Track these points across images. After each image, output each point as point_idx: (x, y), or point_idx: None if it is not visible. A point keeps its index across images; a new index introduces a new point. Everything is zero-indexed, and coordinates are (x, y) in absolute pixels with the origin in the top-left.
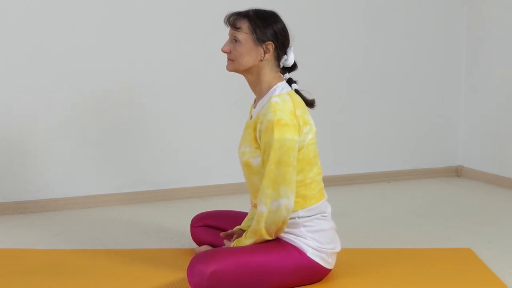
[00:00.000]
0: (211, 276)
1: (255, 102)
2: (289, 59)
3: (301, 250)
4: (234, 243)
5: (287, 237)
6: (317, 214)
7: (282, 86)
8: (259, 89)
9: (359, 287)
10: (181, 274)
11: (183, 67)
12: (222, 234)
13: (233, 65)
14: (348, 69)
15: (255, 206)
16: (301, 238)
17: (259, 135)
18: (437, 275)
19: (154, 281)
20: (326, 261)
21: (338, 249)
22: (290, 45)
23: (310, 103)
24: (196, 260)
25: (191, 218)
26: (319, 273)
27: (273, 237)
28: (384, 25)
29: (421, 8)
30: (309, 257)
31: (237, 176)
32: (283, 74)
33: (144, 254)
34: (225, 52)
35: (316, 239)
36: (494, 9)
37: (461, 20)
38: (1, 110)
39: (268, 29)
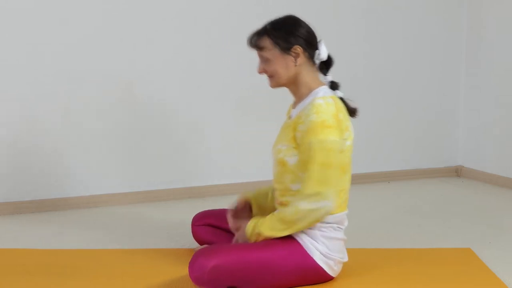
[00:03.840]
0: (212, 270)
1: (295, 103)
2: (322, 52)
3: (307, 252)
4: (253, 224)
5: (298, 234)
6: (334, 224)
7: (325, 89)
8: (300, 92)
9: (359, 287)
10: (182, 274)
11: (189, 66)
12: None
13: (273, 81)
14: (348, 69)
15: (281, 204)
16: (312, 241)
17: (300, 135)
18: (437, 275)
19: (154, 281)
20: (331, 268)
21: (345, 259)
22: (318, 39)
23: (352, 111)
24: (198, 254)
25: (192, 217)
26: (322, 278)
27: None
28: (384, 25)
29: (421, 8)
30: (315, 261)
31: (238, 176)
32: (324, 73)
33: (144, 254)
34: (260, 73)
35: (327, 245)
36: (494, 9)
37: (461, 20)
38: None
39: (290, 36)
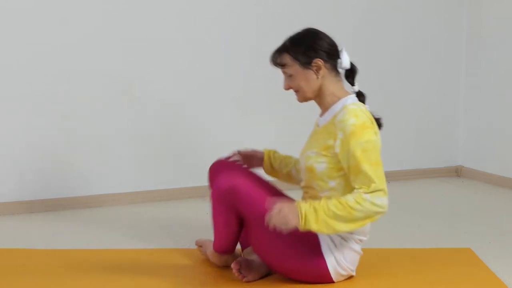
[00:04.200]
0: (231, 188)
1: (322, 112)
2: (344, 61)
3: (322, 252)
4: (306, 207)
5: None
6: (357, 235)
7: (353, 98)
8: (325, 102)
9: (358, 287)
10: (182, 274)
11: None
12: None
13: (300, 96)
14: None
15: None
16: (332, 245)
17: (340, 143)
18: (437, 275)
19: (155, 281)
20: (337, 276)
21: (354, 273)
22: (339, 49)
23: (378, 123)
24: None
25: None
26: (323, 280)
27: (348, 229)
28: (384, 25)
29: (421, 8)
30: (326, 263)
31: None
32: (350, 83)
33: (144, 254)
34: (286, 89)
35: (344, 254)
36: (494, 9)
37: (461, 20)
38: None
39: (309, 50)
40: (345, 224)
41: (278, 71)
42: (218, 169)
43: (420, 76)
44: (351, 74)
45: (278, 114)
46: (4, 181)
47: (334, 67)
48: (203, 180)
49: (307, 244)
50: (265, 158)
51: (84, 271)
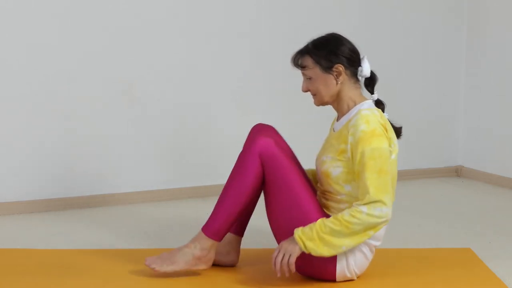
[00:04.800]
0: (268, 150)
1: (338, 117)
2: (364, 69)
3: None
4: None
5: None
6: (373, 240)
7: (369, 103)
8: (342, 108)
9: (358, 287)
10: (182, 274)
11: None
12: None
13: (317, 99)
14: None
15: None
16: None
17: (350, 147)
18: (437, 275)
19: (155, 281)
20: (342, 276)
21: (355, 278)
22: (361, 56)
23: (398, 131)
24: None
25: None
26: (326, 277)
27: (349, 245)
28: (384, 25)
29: (421, 8)
30: (336, 262)
31: None
32: (370, 91)
33: (144, 254)
34: (304, 92)
35: (355, 260)
36: (494, 9)
37: (461, 20)
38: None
39: (331, 55)
40: (347, 239)
41: (278, 72)
42: (262, 129)
43: (420, 76)
44: (370, 82)
45: (278, 115)
46: (4, 181)
47: (354, 74)
48: (203, 180)
49: None
50: None
51: (84, 271)
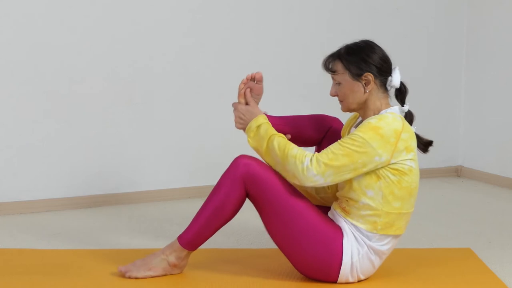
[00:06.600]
0: (249, 170)
1: (360, 122)
2: (394, 79)
3: (341, 252)
4: (256, 124)
5: (351, 231)
6: (387, 247)
7: (395, 109)
8: (367, 116)
9: (358, 287)
10: (181, 275)
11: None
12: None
13: (343, 105)
14: None
15: (342, 209)
16: (356, 256)
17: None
18: (437, 275)
19: (155, 281)
20: (345, 276)
21: (356, 282)
22: (392, 67)
23: (426, 145)
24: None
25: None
26: (327, 278)
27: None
28: (384, 25)
29: (421, 8)
30: (340, 263)
31: None
32: (400, 103)
33: (144, 254)
34: (332, 96)
35: (361, 264)
36: (495, 9)
37: (461, 20)
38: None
39: (362, 63)
40: (268, 157)
41: (278, 72)
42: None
43: (420, 76)
44: (400, 94)
45: (278, 115)
46: (3, 181)
47: (384, 84)
48: (203, 180)
49: (331, 244)
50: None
51: (84, 271)
